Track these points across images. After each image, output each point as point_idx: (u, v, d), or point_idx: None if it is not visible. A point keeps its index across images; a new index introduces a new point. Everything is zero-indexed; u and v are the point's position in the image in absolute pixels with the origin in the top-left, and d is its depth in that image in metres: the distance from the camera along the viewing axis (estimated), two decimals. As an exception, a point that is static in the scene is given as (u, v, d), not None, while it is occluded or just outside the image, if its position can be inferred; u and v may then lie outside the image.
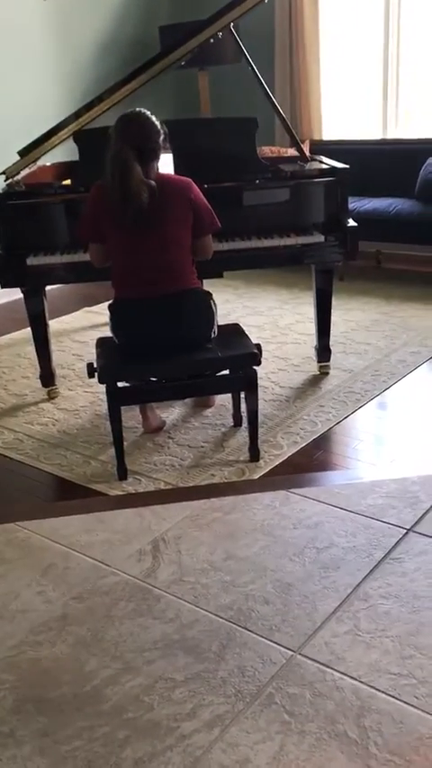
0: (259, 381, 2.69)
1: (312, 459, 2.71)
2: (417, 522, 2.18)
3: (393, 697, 1.58)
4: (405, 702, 1.57)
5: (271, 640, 1.77)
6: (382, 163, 4.83)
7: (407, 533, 2.13)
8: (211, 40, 3.22)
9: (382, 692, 1.60)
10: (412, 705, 1.56)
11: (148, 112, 2.53)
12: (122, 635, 1.82)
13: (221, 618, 1.85)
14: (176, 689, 1.65)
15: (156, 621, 1.86)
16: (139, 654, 1.76)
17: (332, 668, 1.67)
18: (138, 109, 2.54)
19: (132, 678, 1.69)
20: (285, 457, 2.72)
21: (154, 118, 2.53)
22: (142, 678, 1.69)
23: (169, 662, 1.72)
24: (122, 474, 2.64)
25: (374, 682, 1.63)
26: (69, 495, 2.59)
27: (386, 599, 1.88)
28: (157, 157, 2.54)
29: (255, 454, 2.70)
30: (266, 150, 3.51)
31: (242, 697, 1.62)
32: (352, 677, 1.64)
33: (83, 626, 1.86)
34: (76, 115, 3.24)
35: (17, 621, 1.90)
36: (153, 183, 2.48)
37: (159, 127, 2.52)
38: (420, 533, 2.13)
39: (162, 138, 2.53)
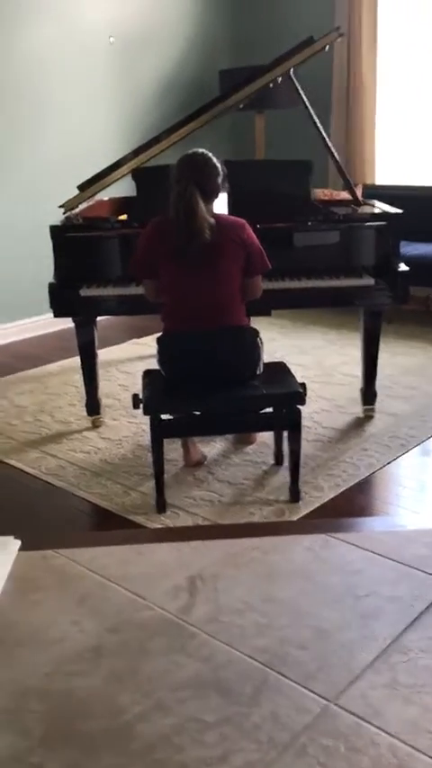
0: (302, 421, 2.67)
1: (354, 504, 2.67)
2: (460, 575, 2.12)
3: (432, 757, 1.53)
4: (443, 763, 1.51)
5: (306, 688, 1.73)
6: (435, 209, 4.82)
7: (450, 586, 2.08)
8: (270, 85, 3.29)
9: (421, 751, 1.54)
10: (451, 767, 1.51)
11: (210, 153, 2.59)
12: (155, 671, 1.80)
13: (256, 661, 1.82)
14: (208, 731, 1.62)
15: (189, 660, 1.83)
16: (171, 692, 1.73)
17: (368, 722, 1.62)
18: (200, 149, 2.61)
19: (164, 716, 1.66)
20: (326, 499, 2.69)
21: (215, 159, 2.59)
22: (173, 717, 1.66)
23: (202, 702, 1.69)
24: (161, 507, 2.64)
25: (413, 740, 1.57)
26: (108, 525, 2.60)
27: (427, 653, 1.83)
28: (216, 197, 2.60)
29: (295, 495, 2.68)
30: (319, 193, 3.54)
31: (274, 745, 1.57)
32: (389, 733, 1.59)
33: (116, 659, 1.85)
34: (135, 153, 3.33)
35: (51, 650, 1.89)
36: (213, 220, 2.53)
37: (220, 167, 2.58)
38: (464, 586, 2.07)
39: (221, 178, 2.59)
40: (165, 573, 2.20)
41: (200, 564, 2.24)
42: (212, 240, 2.53)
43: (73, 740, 1.61)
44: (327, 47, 3.27)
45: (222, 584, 2.13)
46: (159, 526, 2.55)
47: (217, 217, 2.59)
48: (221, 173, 2.59)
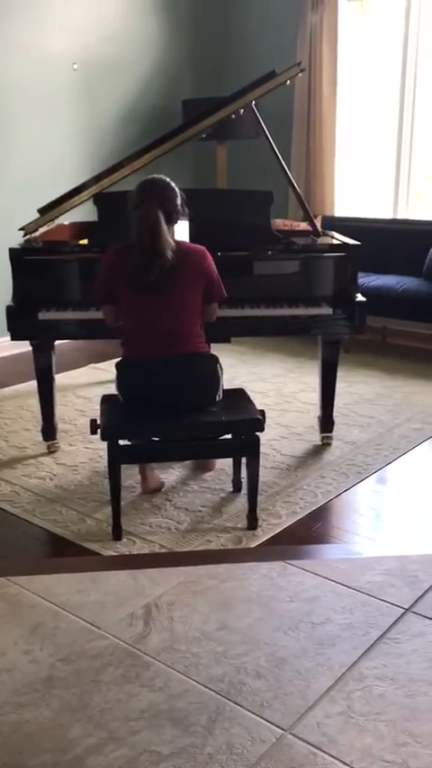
0: (261, 448, 2.68)
1: (311, 531, 2.68)
2: (415, 603, 2.14)
3: (386, 786, 1.52)
4: (398, 793, 1.51)
5: (261, 717, 1.71)
6: (392, 241, 4.93)
7: (405, 613, 2.09)
8: (233, 116, 3.34)
9: (375, 780, 1.54)
10: (405, 796, 1.50)
11: (167, 179, 2.62)
12: (109, 702, 1.77)
13: (212, 690, 1.80)
14: (161, 763, 1.59)
15: (144, 690, 1.81)
16: (124, 723, 1.70)
17: (324, 751, 1.61)
18: (158, 175, 2.63)
19: (116, 749, 1.63)
20: (284, 527, 2.69)
21: (173, 184, 2.61)
22: (126, 749, 1.63)
23: (156, 733, 1.67)
24: (117, 534, 2.60)
25: (367, 768, 1.57)
26: (62, 552, 2.56)
27: (381, 681, 1.83)
28: (176, 221, 2.62)
29: (253, 522, 2.67)
30: (279, 223, 3.59)
31: (229, 776, 1.55)
32: (344, 762, 1.59)
33: (68, 690, 1.81)
34: (97, 179, 3.33)
35: (1, 681, 1.84)
36: (174, 244, 2.54)
37: (178, 192, 2.60)
38: (419, 614, 2.09)
39: (180, 202, 2.61)
40: (120, 601, 2.17)
41: (156, 592, 2.21)
42: (173, 266, 2.54)
43: (22, 775, 1.57)
44: (288, 81, 3.35)
45: (178, 613, 2.11)
46: (115, 554, 2.51)
47: (178, 243, 2.61)
48: (180, 197, 2.61)
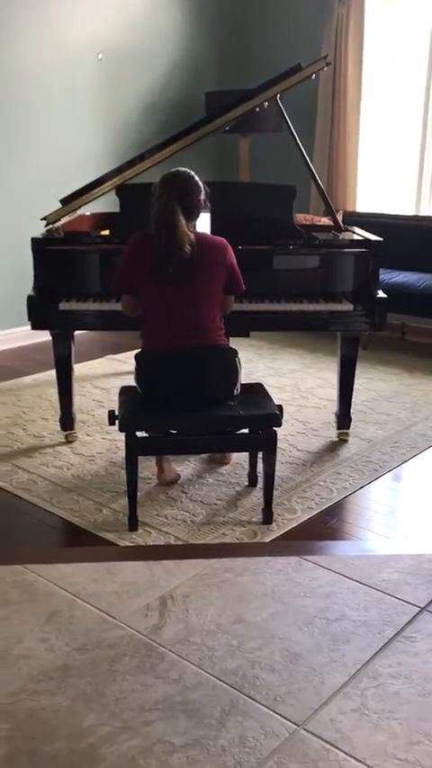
0: (277, 443, 2.67)
1: (326, 527, 2.67)
2: (431, 602, 2.13)
3: (399, 784, 1.52)
4: (411, 791, 1.51)
5: (275, 711, 1.72)
6: (414, 238, 4.91)
7: (420, 612, 2.08)
8: (257, 109, 3.32)
9: (388, 777, 1.54)
10: (418, 795, 1.50)
11: (192, 172, 2.61)
12: (123, 691, 1.78)
13: (225, 683, 1.81)
14: (174, 753, 1.60)
15: (158, 681, 1.81)
16: (138, 713, 1.71)
17: (337, 747, 1.62)
18: (183, 168, 2.62)
19: (130, 738, 1.64)
20: (299, 522, 2.69)
21: (197, 178, 2.60)
22: (140, 739, 1.64)
23: (169, 724, 1.68)
24: (133, 525, 2.62)
25: (381, 766, 1.57)
26: (78, 542, 2.57)
27: (396, 679, 1.83)
28: (197, 215, 2.61)
29: (268, 516, 2.68)
30: (300, 218, 3.58)
31: (242, 769, 1.56)
32: (357, 759, 1.59)
33: (84, 678, 1.82)
34: (118, 170, 3.33)
35: (17, 668, 1.86)
36: (193, 237, 2.54)
37: (202, 186, 2.60)
38: (434, 613, 2.08)
39: (203, 196, 2.60)
40: (135, 592, 2.18)
41: (171, 584, 2.22)
42: (194, 258, 2.54)
43: (37, 761, 1.58)
44: (313, 75, 3.32)
45: (193, 605, 2.11)
46: (130, 544, 2.52)
47: (200, 236, 2.60)
48: (204, 191, 2.60)
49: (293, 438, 3.42)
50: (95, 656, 1.90)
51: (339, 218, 3.55)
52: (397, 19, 5.13)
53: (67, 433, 3.38)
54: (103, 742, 1.63)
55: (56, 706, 1.73)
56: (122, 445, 2.62)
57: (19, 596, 2.15)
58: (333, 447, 3.35)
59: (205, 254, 2.58)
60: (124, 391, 2.81)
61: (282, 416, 2.64)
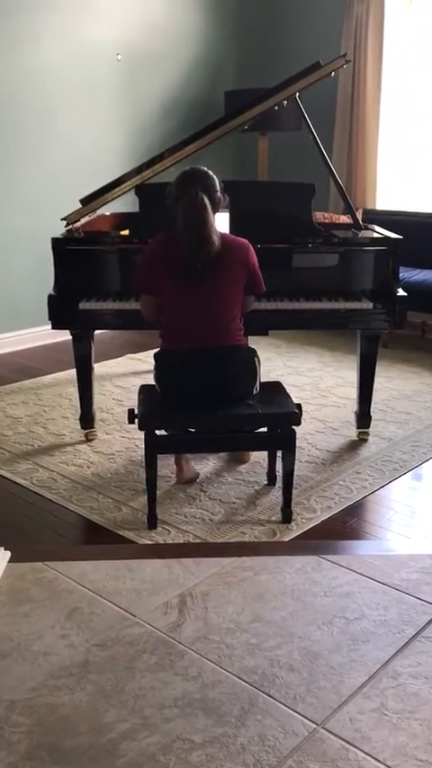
0: (296, 442, 2.67)
1: (345, 526, 2.67)
2: (451, 601, 2.12)
3: (419, 784, 1.52)
4: (431, 791, 1.50)
5: (294, 710, 1.72)
6: (434, 236, 4.87)
7: (440, 612, 2.07)
8: (276, 108, 3.32)
9: (408, 777, 1.53)
10: (438, 795, 1.49)
11: (207, 169, 2.62)
12: (143, 688, 1.79)
13: (245, 681, 1.81)
14: (194, 751, 1.60)
15: (177, 678, 1.82)
16: (158, 710, 1.72)
17: (356, 747, 1.61)
18: (199, 165, 2.63)
19: (150, 735, 1.65)
20: (318, 521, 2.68)
21: (212, 173, 2.62)
22: (160, 736, 1.64)
23: (188, 722, 1.68)
24: (153, 523, 2.63)
25: (400, 767, 1.56)
26: (98, 540, 2.59)
27: (416, 679, 1.82)
28: (217, 209, 2.61)
29: (287, 515, 2.67)
30: (319, 216, 3.56)
31: (261, 767, 1.56)
32: (377, 759, 1.58)
33: (104, 675, 1.83)
34: (138, 170, 3.34)
35: (38, 664, 1.88)
36: (219, 232, 2.55)
37: (217, 181, 2.61)
38: (454, 613, 2.07)
39: (221, 192, 2.60)
40: (155, 590, 2.19)
41: (190, 582, 2.23)
42: (217, 258, 2.54)
43: (58, 756, 1.59)
44: (333, 73, 3.31)
45: (212, 603, 2.12)
46: (150, 542, 2.53)
47: (222, 236, 2.60)
48: (220, 187, 2.61)
49: (312, 437, 3.41)
50: (115, 653, 1.91)
51: (359, 216, 3.53)
52: (417, 16, 5.09)
53: (86, 431, 3.40)
54: (123, 738, 1.64)
55: (76, 702, 1.75)
56: (142, 444, 2.63)
57: (40, 593, 2.17)
58: (353, 446, 3.33)
59: (228, 255, 2.58)
60: (143, 390, 2.82)
61: (301, 415, 2.64)
